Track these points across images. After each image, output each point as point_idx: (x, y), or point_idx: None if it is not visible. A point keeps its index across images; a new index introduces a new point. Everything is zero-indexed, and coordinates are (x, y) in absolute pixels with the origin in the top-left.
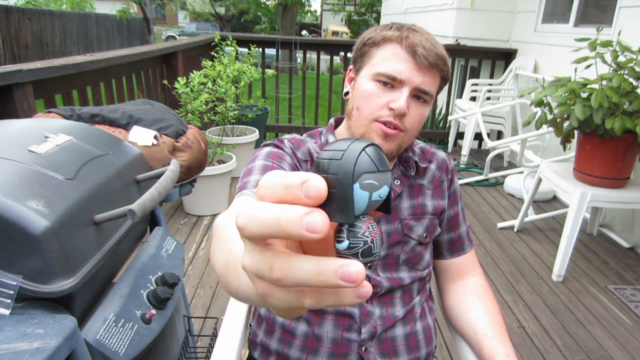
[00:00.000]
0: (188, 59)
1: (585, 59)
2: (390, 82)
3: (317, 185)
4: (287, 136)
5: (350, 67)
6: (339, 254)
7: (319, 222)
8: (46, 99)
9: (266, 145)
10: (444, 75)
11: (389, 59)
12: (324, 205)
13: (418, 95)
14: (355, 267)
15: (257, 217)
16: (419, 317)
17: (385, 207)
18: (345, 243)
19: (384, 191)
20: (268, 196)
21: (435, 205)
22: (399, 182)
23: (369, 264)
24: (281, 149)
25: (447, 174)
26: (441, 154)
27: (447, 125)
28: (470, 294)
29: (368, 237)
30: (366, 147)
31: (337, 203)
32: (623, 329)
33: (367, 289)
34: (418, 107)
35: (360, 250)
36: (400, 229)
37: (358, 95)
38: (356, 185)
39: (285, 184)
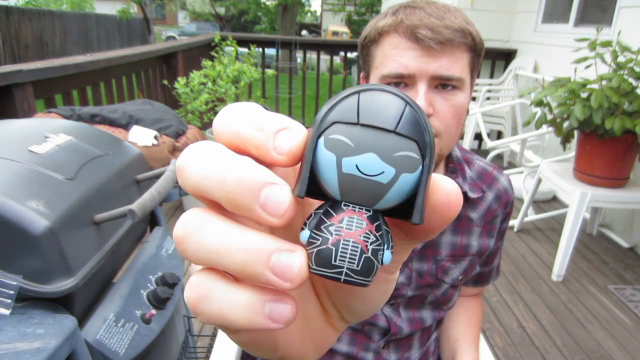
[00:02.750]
0: (188, 59)
1: (585, 59)
2: (401, 82)
3: (295, 136)
4: None
5: (362, 73)
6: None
7: (284, 199)
8: (46, 99)
9: None
10: (471, 45)
11: (390, 55)
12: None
13: (443, 84)
14: (296, 259)
15: (200, 161)
16: (431, 353)
17: (404, 208)
18: (305, 233)
19: (368, 162)
20: (228, 134)
21: (481, 245)
22: None
23: (341, 279)
24: None
25: (505, 208)
26: (504, 180)
27: None
28: (460, 306)
29: (330, 236)
30: (364, 90)
31: (300, 165)
32: (623, 329)
33: (288, 309)
34: (447, 99)
35: (316, 250)
36: (434, 271)
37: None
38: (320, 141)
39: (258, 123)
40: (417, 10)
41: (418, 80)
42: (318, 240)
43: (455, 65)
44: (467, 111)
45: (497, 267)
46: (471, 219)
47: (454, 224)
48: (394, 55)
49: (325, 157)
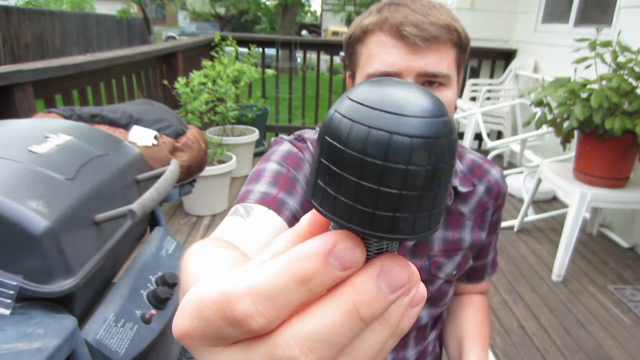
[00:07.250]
0: (188, 59)
1: (585, 59)
2: None
3: (353, 250)
4: (309, 134)
5: (348, 72)
6: None
7: (356, 254)
8: (46, 99)
9: (284, 140)
10: (457, 41)
11: (375, 54)
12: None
13: (429, 81)
14: (399, 263)
15: (270, 289)
16: (429, 353)
17: None
18: None
19: None
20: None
21: (474, 239)
22: None
23: None
24: (301, 151)
25: (497, 200)
26: (495, 173)
27: None
28: (466, 304)
29: None
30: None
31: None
32: (623, 329)
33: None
34: None
35: None
36: (427, 267)
37: None
38: None
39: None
40: (401, 8)
41: (404, 78)
42: None
43: (442, 61)
44: (455, 107)
45: (492, 262)
46: (462, 213)
47: (445, 219)
48: (380, 54)
49: None
